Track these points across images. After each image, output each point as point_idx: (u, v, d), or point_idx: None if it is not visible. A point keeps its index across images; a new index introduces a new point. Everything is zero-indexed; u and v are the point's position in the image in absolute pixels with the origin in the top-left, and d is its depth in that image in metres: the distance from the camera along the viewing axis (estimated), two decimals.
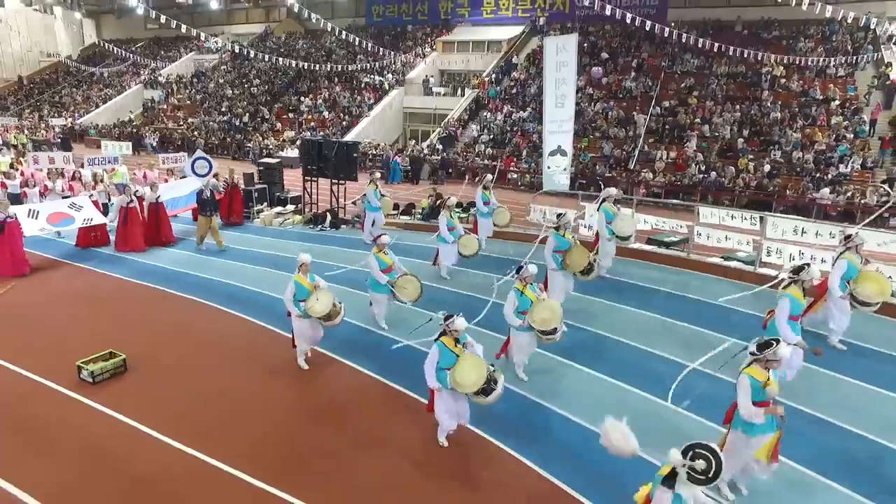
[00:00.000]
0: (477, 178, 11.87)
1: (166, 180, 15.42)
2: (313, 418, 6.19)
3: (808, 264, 6.83)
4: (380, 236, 7.95)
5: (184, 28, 26.43)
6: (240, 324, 8.51)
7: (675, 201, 15.33)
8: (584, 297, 9.12)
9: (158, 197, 12.55)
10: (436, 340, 5.55)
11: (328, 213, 13.85)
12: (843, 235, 8.13)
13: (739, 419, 4.78)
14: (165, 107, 39.82)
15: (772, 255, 9.36)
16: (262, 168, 15.23)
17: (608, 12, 19.71)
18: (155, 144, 32.96)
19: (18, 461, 5.19)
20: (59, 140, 28.50)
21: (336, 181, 14.03)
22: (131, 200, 12.08)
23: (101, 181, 14.80)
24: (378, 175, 13.08)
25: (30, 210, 11.22)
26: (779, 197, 19.50)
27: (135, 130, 35.00)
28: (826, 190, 19.09)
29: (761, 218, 9.64)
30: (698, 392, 6.06)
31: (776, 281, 6.91)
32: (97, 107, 42.09)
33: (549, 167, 11.43)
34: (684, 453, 3.58)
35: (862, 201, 18.55)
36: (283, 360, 7.31)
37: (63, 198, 13.31)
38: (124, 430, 5.68)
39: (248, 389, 6.68)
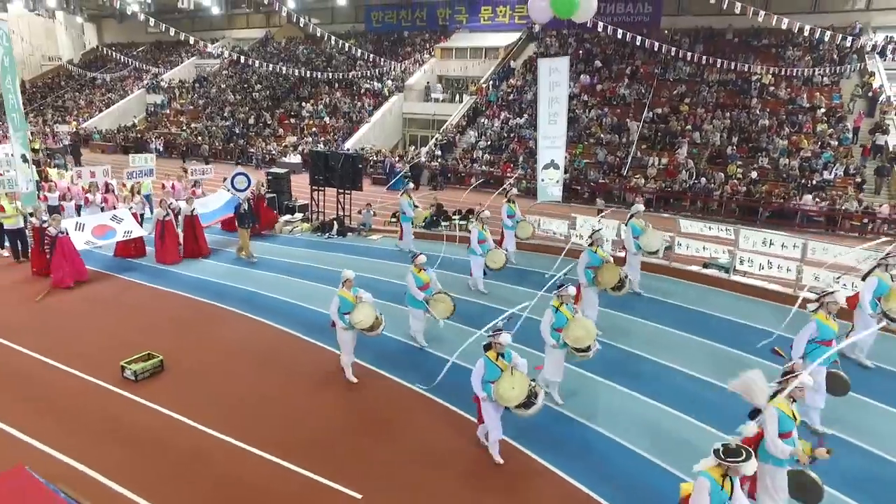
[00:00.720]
0: (503, 189, 12.32)
1: (194, 192, 15.76)
2: (356, 427, 6.66)
3: (833, 291, 6.73)
4: (417, 255, 8.32)
5: (182, 35, 26.98)
6: (278, 334, 9.02)
7: (665, 215, 15.89)
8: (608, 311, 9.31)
9: (193, 210, 12.99)
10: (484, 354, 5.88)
11: (335, 222, 14.63)
12: (883, 253, 8.17)
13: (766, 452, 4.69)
14: (168, 112, 40.51)
15: (744, 264, 10.15)
16: (270, 177, 15.98)
17: (600, 29, 20.42)
18: (161, 149, 33.64)
19: (84, 447, 6.03)
20: (70, 146, 29.07)
21: (342, 191, 14.78)
22: (167, 214, 12.52)
23: (139, 193, 15.37)
24: (411, 186, 13.67)
25: (77, 223, 11.73)
26: (765, 203, 20.31)
27: (139, 136, 35.63)
28: (808, 197, 19.92)
29: (735, 230, 10.41)
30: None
31: (807, 301, 6.99)
32: (100, 111, 42.74)
33: (542, 179, 12.21)
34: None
35: (843, 207, 19.39)
36: (319, 369, 7.94)
37: (101, 210, 14.03)
38: (168, 421, 6.49)
39: (288, 395, 7.33)
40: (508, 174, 25.80)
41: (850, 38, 21.91)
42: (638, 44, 23.32)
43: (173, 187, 16.56)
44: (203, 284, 11.34)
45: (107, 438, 6.23)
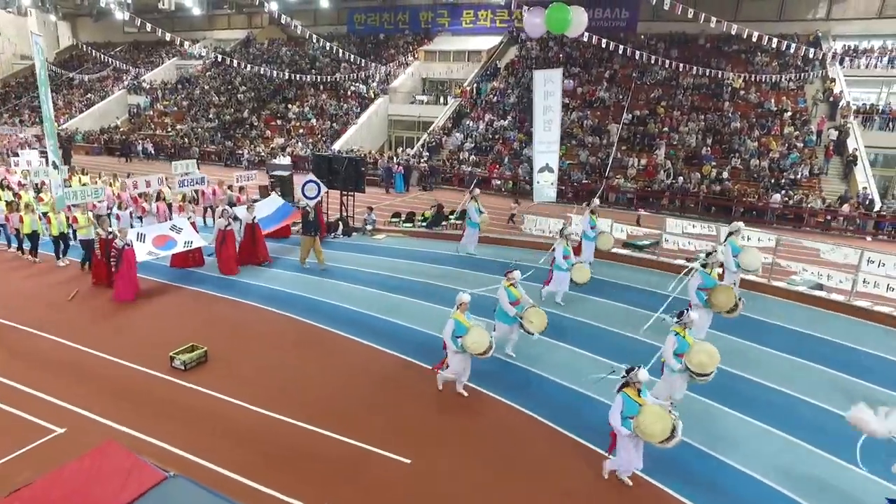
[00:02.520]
0: (585, 203, 12.29)
1: (240, 200, 15.63)
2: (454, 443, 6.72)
3: None
4: (512, 271, 8.13)
5: (163, 33, 27.08)
6: (354, 346, 9.08)
7: (644, 213, 16.92)
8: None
9: (255, 217, 12.88)
10: (618, 391, 5.82)
11: (340, 222, 15.36)
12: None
13: None
14: (152, 113, 40.44)
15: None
16: (273, 179, 16.62)
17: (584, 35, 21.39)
18: (152, 151, 33.73)
19: (152, 426, 6.80)
20: (60, 148, 28.95)
21: (345, 192, 15.51)
22: (228, 223, 12.30)
23: (192, 201, 15.33)
24: (478, 191, 13.34)
25: (138, 234, 11.57)
26: (738, 202, 21.66)
27: (124, 137, 35.61)
28: (777, 196, 21.32)
29: (718, 227, 11.50)
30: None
31: None
32: (80, 112, 42.39)
33: (538, 182, 13.16)
34: None
35: (809, 205, 20.84)
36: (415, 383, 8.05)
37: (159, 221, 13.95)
38: (222, 404, 7.30)
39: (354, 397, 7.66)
40: (496, 175, 26.83)
41: (812, 46, 23.48)
42: (617, 49, 24.44)
43: (214, 192, 16.45)
44: (269, 294, 11.17)
45: (168, 417, 7.02)
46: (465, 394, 7.59)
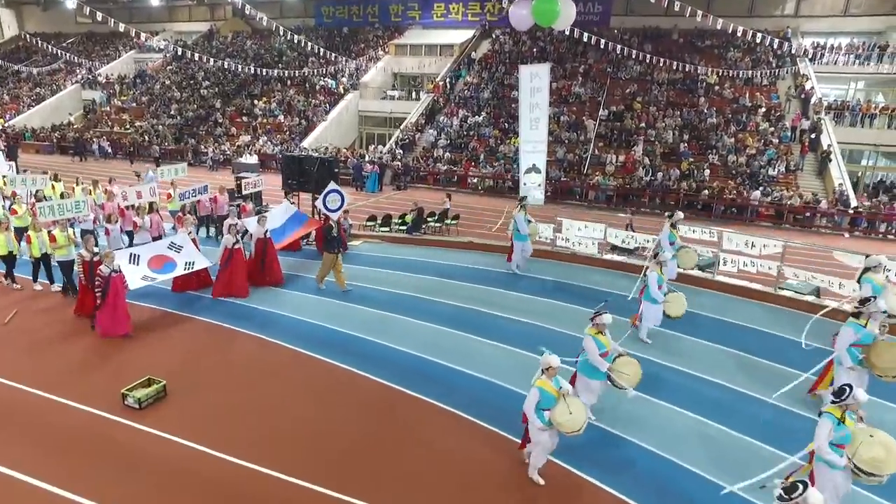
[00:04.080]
0: (667, 214, 10.97)
1: (245, 209, 13.81)
2: None
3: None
4: (601, 314, 6.48)
5: (119, 24, 25.46)
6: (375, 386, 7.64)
7: (621, 213, 16.39)
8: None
9: (267, 231, 11.10)
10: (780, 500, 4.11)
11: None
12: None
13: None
14: (109, 109, 38.37)
15: (727, 265, 10.78)
16: (240, 181, 15.50)
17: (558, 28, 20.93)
18: (109, 151, 31.86)
19: (89, 484, 5.65)
20: (6, 147, 26.96)
21: (317, 195, 14.56)
22: (237, 241, 10.51)
23: (190, 213, 13.03)
24: (528, 199, 11.87)
25: (131, 255, 9.78)
26: (718, 199, 21.45)
27: (77, 135, 33.61)
28: (757, 193, 21.21)
29: (720, 232, 10.99)
30: None
31: None
32: (29, 108, 39.95)
33: (524, 183, 12.49)
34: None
35: (789, 203, 20.78)
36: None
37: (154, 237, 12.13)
38: (180, 450, 6.24)
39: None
40: (472, 172, 26.12)
41: (782, 42, 23.49)
42: (590, 43, 24.05)
43: (215, 200, 14.44)
44: (275, 321, 9.53)
45: (117, 471, 5.94)
46: (542, 481, 5.87)
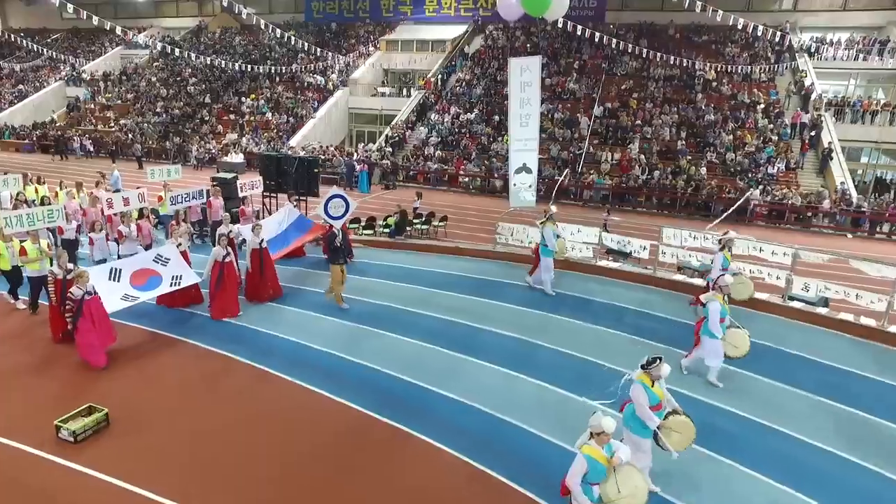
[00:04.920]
0: (723, 233, 9.55)
1: (244, 212, 12.83)
2: None
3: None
4: (657, 363, 5.42)
5: (101, 21, 24.56)
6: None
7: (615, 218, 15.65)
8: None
9: (262, 241, 9.95)
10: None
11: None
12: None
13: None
14: (93, 106, 37.41)
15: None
16: (216, 182, 14.69)
17: (556, 21, 20.19)
18: (91, 149, 30.96)
19: None
20: None
21: (297, 197, 13.82)
22: (228, 254, 9.33)
23: (184, 221, 11.62)
24: (555, 209, 10.50)
25: (111, 270, 8.61)
26: (717, 198, 20.77)
27: (60, 133, 32.68)
28: (756, 192, 20.54)
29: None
30: None
31: None
32: (11, 105, 38.94)
33: (514, 184, 11.76)
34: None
35: (790, 201, 20.13)
36: None
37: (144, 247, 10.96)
38: (120, 494, 5.48)
39: None
40: (462, 171, 25.37)
41: (781, 35, 22.81)
42: (585, 38, 23.32)
43: (209, 206, 13.27)
44: (279, 347, 8.42)
45: None
46: None
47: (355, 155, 26.80)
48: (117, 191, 14.86)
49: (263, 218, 12.99)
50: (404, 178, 26.03)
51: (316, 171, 13.97)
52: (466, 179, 25.25)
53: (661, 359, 5.45)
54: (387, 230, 13.52)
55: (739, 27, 18.70)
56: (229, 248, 9.48)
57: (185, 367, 7.89)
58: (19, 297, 9.82)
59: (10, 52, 46.24)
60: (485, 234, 14.03)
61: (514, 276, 11.17)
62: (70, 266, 8.29)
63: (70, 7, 23.65)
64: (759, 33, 20.35)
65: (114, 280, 8.50)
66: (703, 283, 9.62)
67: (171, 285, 9.01)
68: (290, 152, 26.24)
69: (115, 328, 8.12)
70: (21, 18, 50.60)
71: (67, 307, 7.68)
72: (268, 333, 8.83)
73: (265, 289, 9.99)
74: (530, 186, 11.57)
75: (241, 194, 13.64)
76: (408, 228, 14.39)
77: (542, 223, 10.28)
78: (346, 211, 10.54)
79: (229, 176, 15.03)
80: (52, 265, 8.55)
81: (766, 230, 19.32)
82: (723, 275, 7.89)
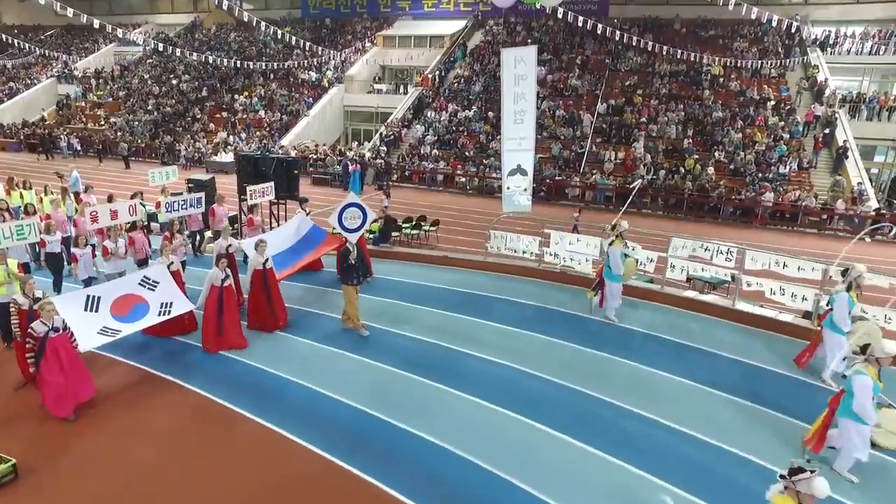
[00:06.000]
0: (842, 270, 7.55)
1: (252, 221, 11.64)
2: None
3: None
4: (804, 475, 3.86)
5: (88, 19, 23.76)
6: None
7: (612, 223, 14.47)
8: None
9: (267, 261, 8.46)
10: None
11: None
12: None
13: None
14: (84, 104, 36.55)
15: (750, 287, 9.04)
16: (191, 185, 13.74)
17: (548, 9, 19.22)
18: (78, 148, 30.08)
19: None
20: None
21: (276, 200, 12.88)
22: (227, 276, 7.92)
23: (179, 233, 9.99)
24: (625, 225, 8.84)
25: (88, 298, 7.14)
26: (726, 200, 19.72)
27: (47, 132, 31.82)
28: (770, 194, 19.47)
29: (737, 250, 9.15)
30: None
31: None
32: (1, 102, 38.15)
33: (507, 187, 10.77)
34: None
35: (804, 202, 19.06)
36: None
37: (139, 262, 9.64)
38: None
39: None
40: (459, 172, 24.40)
41: (794, 27, 21.73)
42: (588, 33, 22.28)
43: (213, 214, 11.83)
44: (291, 394, 6.95)
45: None
46: None
47: (350, 154, 25.85)
48: (76, 193, 13.64)
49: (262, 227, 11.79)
50: (399, 179, 25.07)
51: (296, 172, 12.97)
52: (463, 180, 24.26)
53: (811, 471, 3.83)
54: (371, 236, 12.55)
55: (753, 16, 17.48)
56: (228, 270, 8.04)
57: (170, 417, 6.48)
58: None
59: (2, 49, 45.46)
60: (480, 240, 12.93)
61: (506, 290, 10.17)
62: (39, 293, 6.96)
63: (57, 4, 22.97)
64: (774, 23, 19.11)
65: (91, 310, 7.04)
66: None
67: (159, 314, 7.52)
68: (280, 151, 25.35)
69: (91, 376, 6.69)
70: (15, 15, 49.87)
71: (28, 345, 6.30)
72: (276, 375, 7.32)
73: (269, 316, 8.48)
74: (525, 190, 10.58)
75: (249, 202, 11.94)
76: (394, 234, 13.41)
77: (609, 242, 8.76)
78: (364, 222, 9.05)
79: (206, 177, 14.07)
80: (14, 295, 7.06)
81: (777, 234, 18.30)
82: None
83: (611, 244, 8.74)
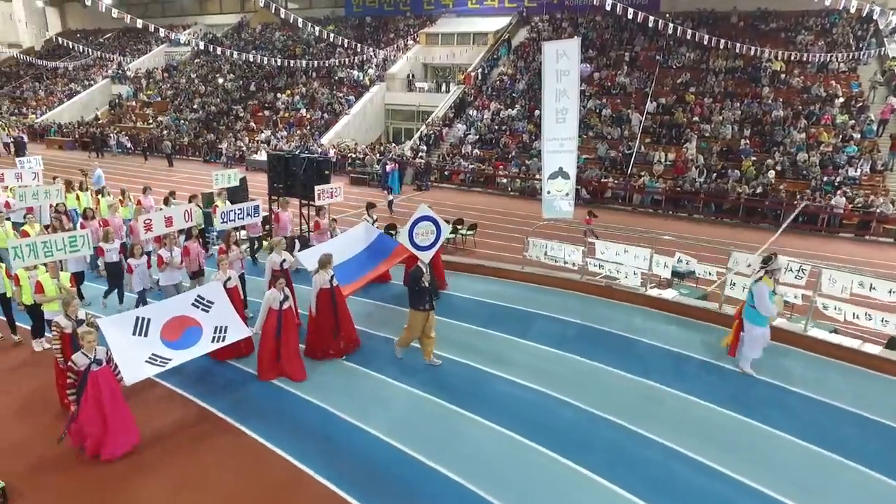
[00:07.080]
0: None
1: (318, 225, 10.87)
2: None
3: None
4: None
5: (133, 20, 24.23)
6: None
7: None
8: None
9: (332, 277, 7.45)
10: None
11: (297, 241, 12.23)
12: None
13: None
14: (134, 104, 37.62)
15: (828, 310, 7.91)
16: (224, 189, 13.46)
17: (596, 1, 18.23)
18: (129, 146, 30.85)
19: None
20: (14, 141, 26.04)
21: (306, 202, 12.48)
22: (286, 297, 7.07)
23: (236, 244, 8.86)
24: (783, 262, 7.70)
25: (137, 320, 6.31)
26: (787, 205, 18.20)
27: (99, 130, 32.81)
28: (843, 199, 17.86)
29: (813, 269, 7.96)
30: None
31: None
32: (61, 103, 39.74)
33: (548, 192, 9.97)
34: None
35: (879, 209, 17.39)
36: None
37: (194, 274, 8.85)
38: None
39: None
40: (501, 172, 23.61)
41: (874, 14, 19.88)
42: (639, 22, 21.08)
43: (277, 219, 11.22)
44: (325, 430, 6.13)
45: None
46: None
47: (390, 153, 25.46)
48: (97, 191, 13.34)
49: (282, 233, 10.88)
50: (438, 179, 24.50)
51: (327, 172, 12.54)
52: (505, 180, 23.46)
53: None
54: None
55: (828, 2, 15.96)
56: (287, 290, 7.12)
57: (221, 469, 5.48)
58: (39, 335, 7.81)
59: (67, 53, 47.50)
60: (521, 245, 12.09)
61: (538, 301, 9.34)
62: (82, 315, 6.18)
63: (108, 8, 23.60)
64: (852, 9, 17.45)
65: (139, 334, 6.21)
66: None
67: (213, 340, 6.62)
68: (320, 150, 25.18)
69: (134, 419, 5.80)
70: (79, 19, 52.08)
71: (69, 380, 5.55)
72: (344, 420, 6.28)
73: (334, 343, 7.48)
74: (567, 195, 9.76)
75: (317, 203, 11.36)
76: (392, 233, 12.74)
77: (756, 279, 7.16)
78: (438, 239, 8.12)
79: (237, 176, 13.79)
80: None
81: (845, 242, 16.74)
82: None
83: (757, 281, 7.14)
